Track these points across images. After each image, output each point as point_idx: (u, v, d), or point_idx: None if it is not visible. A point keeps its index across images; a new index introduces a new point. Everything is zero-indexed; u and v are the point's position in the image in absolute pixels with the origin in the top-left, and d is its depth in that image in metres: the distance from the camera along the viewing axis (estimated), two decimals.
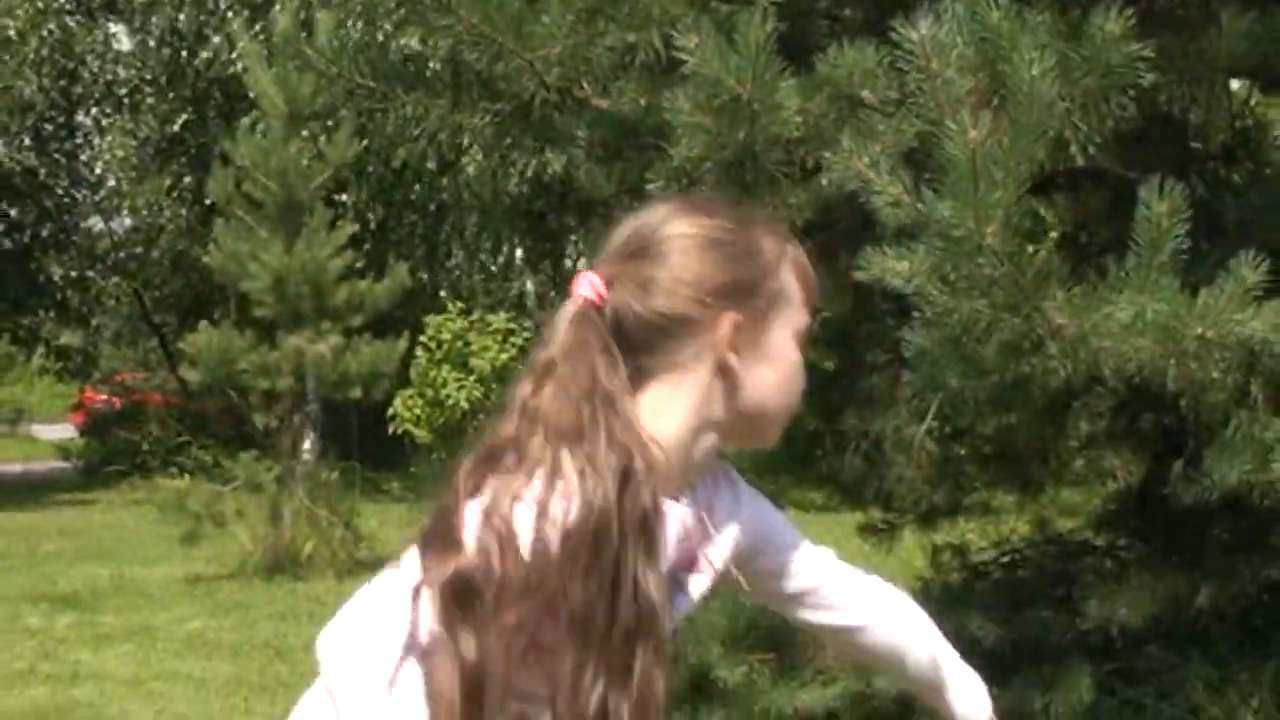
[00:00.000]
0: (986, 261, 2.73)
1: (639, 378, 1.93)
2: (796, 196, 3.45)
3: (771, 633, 3.89)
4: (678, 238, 2.01)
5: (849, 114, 3.21)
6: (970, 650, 3.69)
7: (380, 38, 12.69)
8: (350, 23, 13.50)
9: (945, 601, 4.03)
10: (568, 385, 1.88)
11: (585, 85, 3.38)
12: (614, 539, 1.79)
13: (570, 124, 3.53)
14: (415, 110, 3.53)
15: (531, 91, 3.33)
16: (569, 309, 1.92)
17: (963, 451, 4.22)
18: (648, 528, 1.83)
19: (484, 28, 3.17)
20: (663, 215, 2.02)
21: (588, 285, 1.94)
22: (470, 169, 18.99)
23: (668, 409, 1.95)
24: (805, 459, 4.34)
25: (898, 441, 4.06)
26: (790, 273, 2.02)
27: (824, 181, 3.34)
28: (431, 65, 3.75)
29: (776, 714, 3.80)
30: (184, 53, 21.35)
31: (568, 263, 17.71)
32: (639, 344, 1.95)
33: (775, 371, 2.00)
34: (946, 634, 2.88)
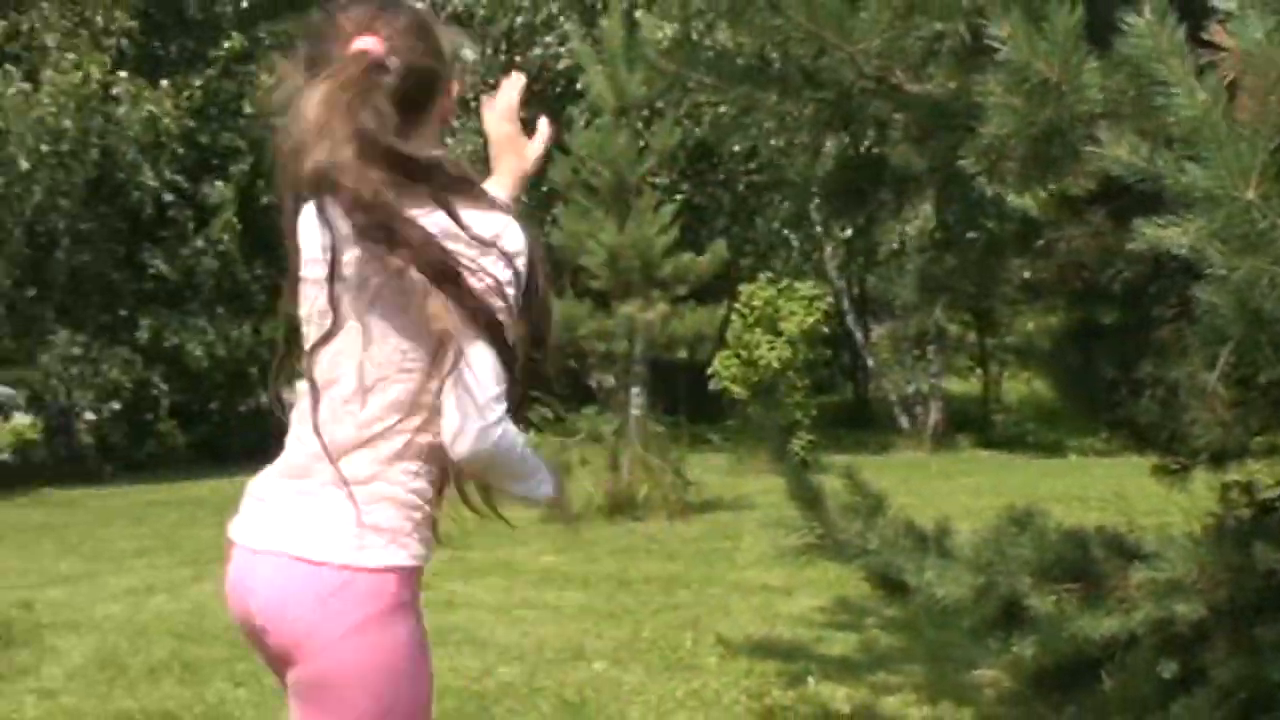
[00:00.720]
0: (1257, 218, 2.64)
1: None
2: (1094, 166, 3.39)
3: (1076, 564, 3.83)
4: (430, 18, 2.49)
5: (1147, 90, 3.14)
6: (1265, 580, 3.60)
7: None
8: (669, 24, 13.61)
9: (1235, 535, 3.90)
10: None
11: (899, 73, 3.35)
12: None
13: (886, 108, 3.51)
14: (745, 101, 3.56)
15: (851, 80, 3.32)
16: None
17: (1253, 396, 4.07)
18: None
19: (810, 25, 3.17)
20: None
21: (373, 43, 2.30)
22: (775, 150, 18.90)
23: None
24: (1104, 406, 4.24)
25: (1191, 388, 3.93)
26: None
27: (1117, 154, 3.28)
28: (738, 60, 3.72)
29: (1083, 639, 3.74)
30: (517, 57, 21.68)
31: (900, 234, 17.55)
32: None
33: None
34: (1237, 567, 2.79)
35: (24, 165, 16.06)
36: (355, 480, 2.24)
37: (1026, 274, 4.00)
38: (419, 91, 2.39)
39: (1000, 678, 5.47)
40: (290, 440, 2.40)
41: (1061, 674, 4.15)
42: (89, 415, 19.24)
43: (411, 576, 2.29)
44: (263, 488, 2.40)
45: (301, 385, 2.36)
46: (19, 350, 18.71)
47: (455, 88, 2.52)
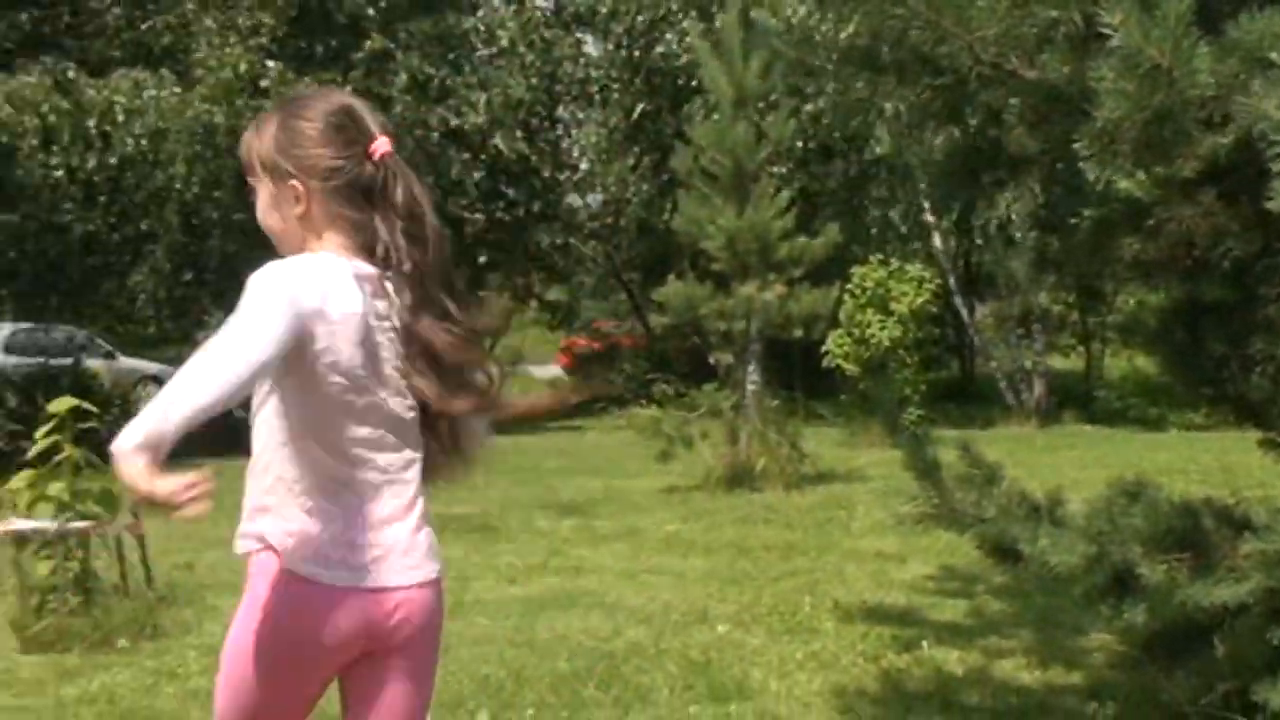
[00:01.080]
0: None
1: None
2: (1205, 148, 3.32)
3: (1187, 535, 3.76)
4: None
5: (1258, 74, 3.07)
6: None
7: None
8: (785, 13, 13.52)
9: None
10: None
11: (1015, 59, 3.29)
12: None
13: (1001, 94, 3.45)
14: (866, 88, 3.52)
15: (968, 66, 3.27)
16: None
17: None
18: None
19: (930, 14, 3.13)
20: None
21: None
22: (884, 140, 18.79)
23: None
24: (1211, 382, 4.15)
25: None
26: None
27: (1229, 131, 3.21)
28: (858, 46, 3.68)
29: (1194, 607, 3.67)
30: (638, 52, 21.67)
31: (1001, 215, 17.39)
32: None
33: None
34: None
35: (181, 167, 16.35)
36: None
37: (1136, 252, 3.92)
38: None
39: (1110, 643, 5.40)
40: None
41: (1172, 640, 4.09)
42: None
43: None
44: None
45: None
46: (176, 330, 19.10)
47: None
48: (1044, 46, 3.31)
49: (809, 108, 17.84)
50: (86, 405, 6.56)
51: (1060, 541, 3.78)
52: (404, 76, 18.44)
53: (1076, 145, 3.22)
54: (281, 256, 2.67)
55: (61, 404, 6.48)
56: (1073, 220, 6.15)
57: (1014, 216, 17.66)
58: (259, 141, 2.67)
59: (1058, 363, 22.20)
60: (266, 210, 2.75)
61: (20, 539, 6.49)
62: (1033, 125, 3.52)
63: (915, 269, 16.86)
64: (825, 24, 3.55)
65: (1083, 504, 4.04)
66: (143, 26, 18.30)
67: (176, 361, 17.73)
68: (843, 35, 3.69)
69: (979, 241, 20.46)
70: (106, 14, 18.21)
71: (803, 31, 3.63)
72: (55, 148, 16.51)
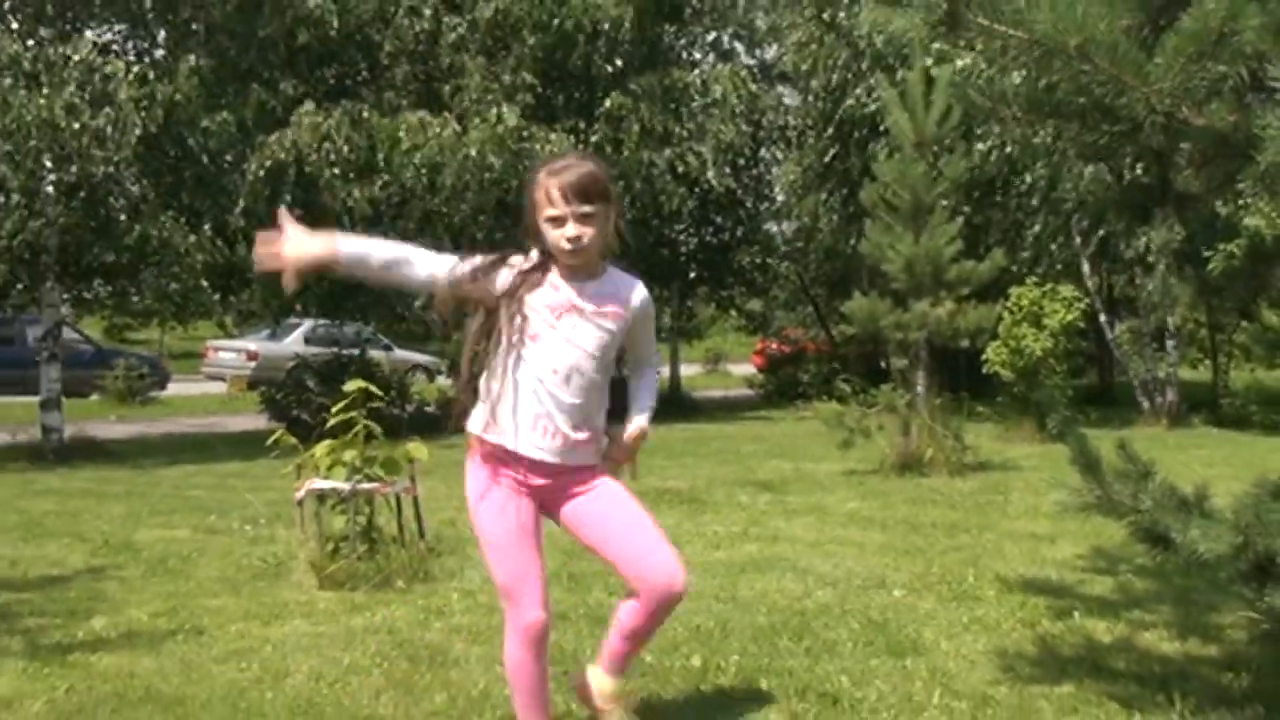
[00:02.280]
0: None
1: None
2: None
3: None
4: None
5: None
6: None
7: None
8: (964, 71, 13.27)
9: None
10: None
11: (1185, 109, 3.13)
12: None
13: (1171, 139, 3.29)
14: (1052, 133, 3.39)
15: (1144, 115, 3.11)
16: None
17: None
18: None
19: (1112, 70, 2.98)
20: None
21: None
22: (1042, 176, 18.32)
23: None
24: None
25: None
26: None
27: None
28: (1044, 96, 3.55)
29: None
30: (833, 104, 21.47)
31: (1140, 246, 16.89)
32: None
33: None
34: None
35: (452, 196, 16.72)
36: None
37: None
38: None
39: (1243, 621, 5.15)
40: None
41: None
42: None
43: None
44: None
45: None
46: (441, 329, 19.54)
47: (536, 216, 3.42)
48: (1213, 98, 3.14)
49: (980, 146, 17.49)
50: (373, 388, 6.70)
51: (1209, 532, 3.59)
52: (636, 126, 18.54)
53: (1240, 185, 3.06)
54: (580, 267, 3.43)
55: (354, 385, 6.63)
56: (1208, 253, 5.88)
57: (1152, 247, 17.12)
58: (605, 176, 3.32)
59: (1186, 373, 21.40)
60: (599, 232, 3.33)
61: (320, 496, 6.66)
62: (1199, 167, 3.35)
63: (1066, 290, 16.41)
64: (1010, 77, 3.40)
65: (1229, 499, 3.84)
66: (424, 79, 18.69)
67: (440, 355, 18.30)
68: (1018, 85, 3.55)
69: (1128, 265, 19.85)
70: (397, 69, 18.65)
71: (990, 83, 3.48)
72: (351, 175, 16.97)
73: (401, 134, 16.79)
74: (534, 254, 3.44)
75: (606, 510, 3.55)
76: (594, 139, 18.25)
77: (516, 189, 17.33)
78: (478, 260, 3.41)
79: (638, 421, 3.64)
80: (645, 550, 3.50)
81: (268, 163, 15.25)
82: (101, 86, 13.18)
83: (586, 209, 3.28)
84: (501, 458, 3.48)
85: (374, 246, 3.43)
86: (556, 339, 3.40)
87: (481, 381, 3.50)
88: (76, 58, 13.20)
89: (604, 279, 3.47)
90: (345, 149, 16.79)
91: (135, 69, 13.57)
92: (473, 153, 16.51)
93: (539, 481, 3.49)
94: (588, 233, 3.29)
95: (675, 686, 4.55)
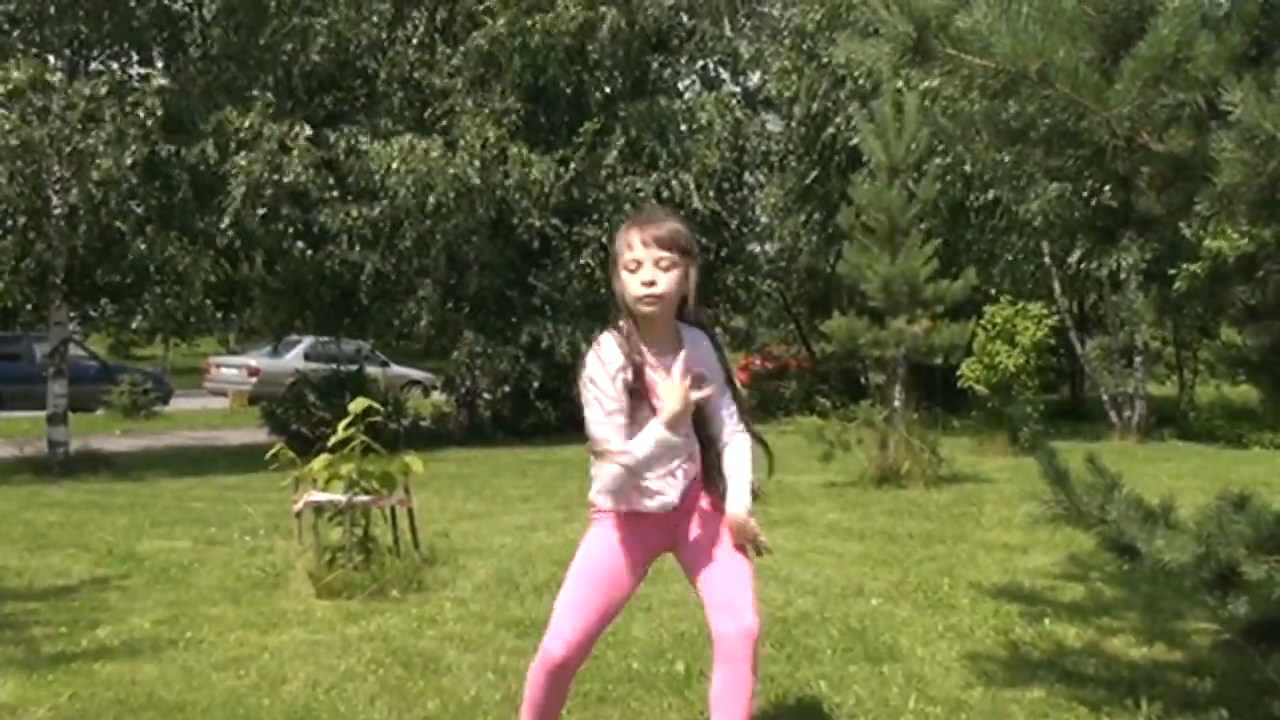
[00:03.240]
0: None
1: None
2: None
3: None
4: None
5: None
6: None
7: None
8: (926, 100, 13.31)
9: None
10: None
11: (1145, 134, 3.15)
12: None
13: (1133, 163, 3.31)
14: (1017, 157, 3.41)
15: (1106, 139, 3.13)
16: None
17: None
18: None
19: (1073, 95, 3.00)
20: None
21: None
22: (1011, 199, 18.38)
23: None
24: None
25: None
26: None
27: None
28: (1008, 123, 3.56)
29: None
30: (814, 130, 21.53)
31: (1111, 265, 16.92)
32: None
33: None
34: None
35: (443, 215, 16.74)
36: None
37: (1245, 298, 3.73)
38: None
39: (1209, 629, 5.16)
40: None
41: (1269, 628, 3.89)
42: (486, 395, 19.87)
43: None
44: None
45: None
46: (438, 347, 19.51)
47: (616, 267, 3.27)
48: (1171, 123, 3.16)
49: (948, 177, 17.55)
50: (375, 405, 6.69)
51: (1174, 542, 3.61)
52: (614, 151, 18.63)
53: (1198, 207, 3.07)
54: (656, 318, 3.26)
55: (359, 404, 6.65)
56: (1171, 271, 5.89)
57: (1122, 266, 17.18)
58: (687, 231, 3.27)
59: (1154, 388, 21.47)
60: (679, 282, 3.23)
61: (318, 508, 6.65)
62: (1159, 190, 3.37)
63: (1036, 308, 16.46)
64: (975, 104, 3.41)
65: (1193, 510, 3.86)
66: (418, 105, 18.72)
67: (436, 371, 18.29)
68: (980, 110, 3.57)
69: (1095, 284, 19.92)
70: (394, 97, 18.68)
71: (957, 110, 3.51)
72: (349, 198, 16.98)
73: (394, 156, 16.80)
74: (614, 346, 3.29)
75: None
76: (574, 164, 18.28)
77: (501, 209, 17.42)
78: (615, 402, 3.25)
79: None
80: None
81: (244, 184, 15.19)
82: (99, 109, 13.18)
83: (664, 255, 3.16)
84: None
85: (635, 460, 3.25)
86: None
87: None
88: (85, 88, 13.20)
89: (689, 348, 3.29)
90: (345, 173, 16.82)
91: (132, 94, 13.53)
92: (460, 172, 16.54)
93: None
94: (663, 279, 3.18)
95: (660, 692, 4.54)
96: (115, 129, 13.11)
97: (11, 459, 14.19)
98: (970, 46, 3.01)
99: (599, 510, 3.42)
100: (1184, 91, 3.10)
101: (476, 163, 16.85)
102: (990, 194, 18.55)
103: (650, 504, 3.36)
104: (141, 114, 13.24)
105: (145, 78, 13.92)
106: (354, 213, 17.02)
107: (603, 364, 3.25)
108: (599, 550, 3.39)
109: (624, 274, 3.22)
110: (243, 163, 14.48)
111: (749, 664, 3.19)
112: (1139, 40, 3.00)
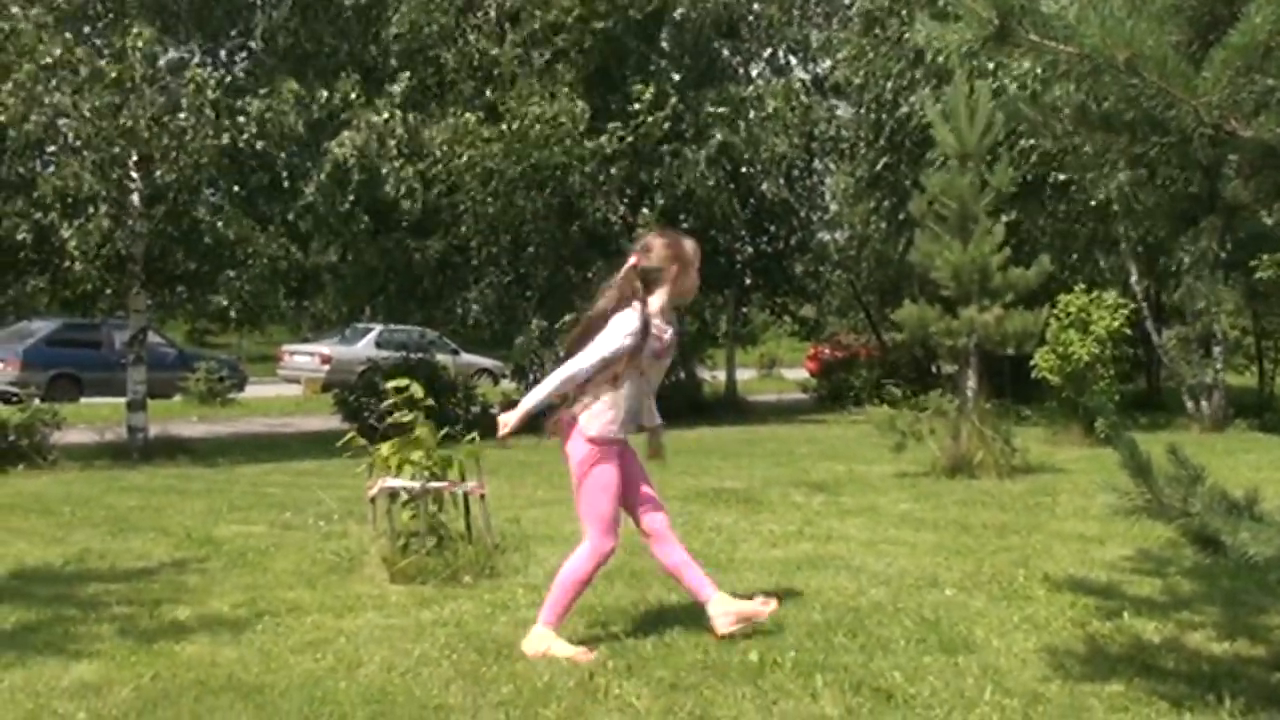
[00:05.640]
0: None
1: (649, 289, 4.99)
2: None
3: None
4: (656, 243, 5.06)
5: None
6: None
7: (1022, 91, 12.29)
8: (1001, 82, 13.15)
9: None
10: (623, 290, 4.99)
11: (1234, 121, 3.08)
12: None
13: (1220, 151, 3.24)
14: (1101, 145, 3.35)
15: (1193, 127, 3.07)
16: (626, 267, 5.07)
17: None
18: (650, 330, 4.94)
19: (1162, 84, 2.95)
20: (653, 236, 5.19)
21: (633, 257, 5.07)
22: (1111, 186, 18.06)
23: (657, 298, 4.99)
24: None
25: None
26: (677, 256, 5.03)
27: None
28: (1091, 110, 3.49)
29: None
30: (884, 115, 21.32)
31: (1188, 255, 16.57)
32: (650, 279, 5.00)
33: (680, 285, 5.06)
34: None
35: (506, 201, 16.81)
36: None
37: None
38: (647, 277, 5.01)
39: None
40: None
41: None
42: None
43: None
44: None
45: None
46: (505, 334, 19.59)
47: (680, 270, 5.07)
48: (1261, 110, 3.09)
49: (1024, 164, 17.31)
50: (416, 387, 6.79)
51: (1259, 535, 3.54)
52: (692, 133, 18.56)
53: None
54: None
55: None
56: (1253, 261, 5.76)
57: (1199, 256, 16.86)
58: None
59: (1233, 379, 21.06)
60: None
61: (392, 494, 6.71)
62: (1247, 178, 3.30)
63: (1112, 297, 16.19)
64: (1060, 90, 3.36)
65: (1278, 502, 3.78)
66: (487, 92, 18.77)
67: (505, 359, 18.40)
68: (1062, 97, 3.51)
69: (1174, 273, 19.56)
70: (463, 85, 18.77)
71: (1036, 97, 3.46)
72: (416, 185, 17.11)
73: (459, 139, 16.88)
74: (634, 316, 4.94)
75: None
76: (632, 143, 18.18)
77: (565, 194, 17.42)
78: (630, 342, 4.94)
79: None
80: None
81: (328, 166, 15.36)
82: (182, 97, 13.39)
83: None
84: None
85: (542, 390, 5.07)
86: (659, 366, 5.19)
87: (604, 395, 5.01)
88: (166, 69, 13.43)
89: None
90: (407, 152, 16.94)
91: (218, 82, 13.74)
92: (524, 157, 16.58)
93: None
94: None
95: (733, 681, 4.54)
96: (196, 119, 13.31)
97: (92, 444, 14.47)
98: (1056, 33, 2.97)
99: (606, 441, 4.98)
100: (1275, 78, 3.04)
101: (543, 151, 16.88)
102: (1063, 178, 18.23)
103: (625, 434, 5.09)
104: (214, 107, 13.45)
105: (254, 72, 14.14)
106: (422, 196, 17.12)
107: (632, 337, 4.91)
108: (615, 471, 5.00)
109: (693, 273, 5.12)
110: (334, 145, 14.62)
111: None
112: (1228, 26, 2.94)
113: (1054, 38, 3.00)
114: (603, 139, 17.59)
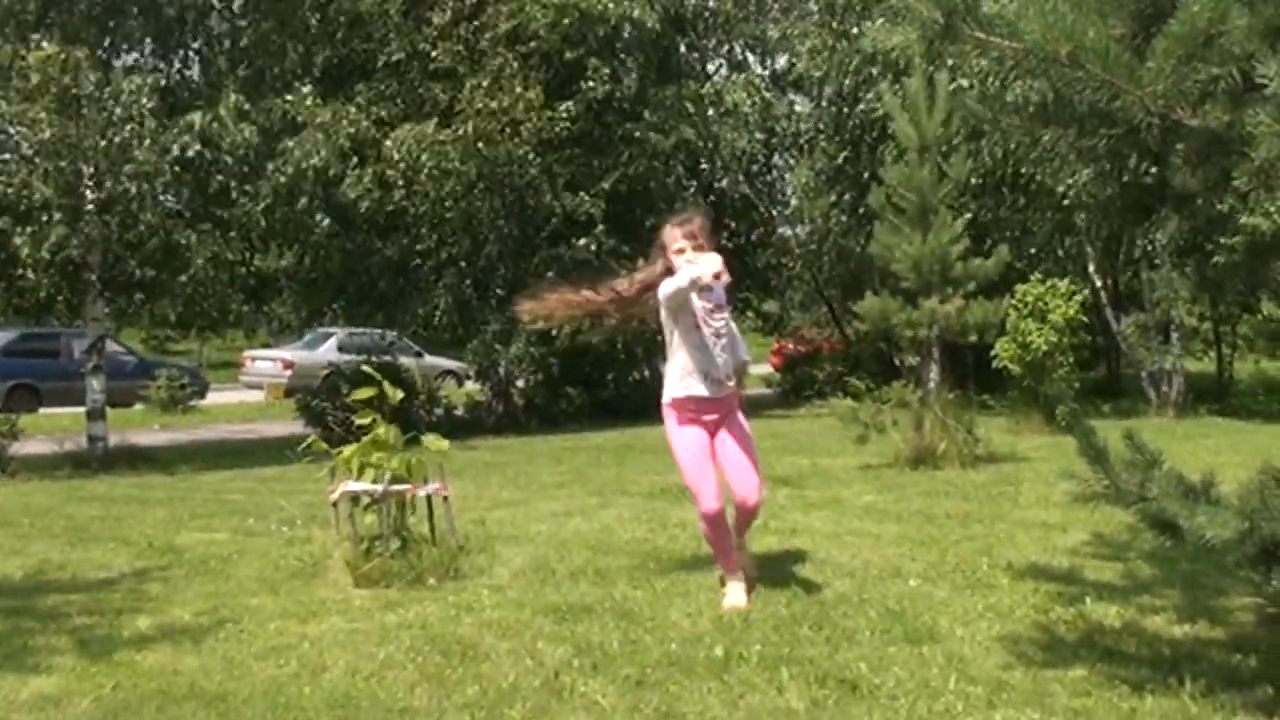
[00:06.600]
0: None
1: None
2: None
3: None
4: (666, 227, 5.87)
5: None
6: None
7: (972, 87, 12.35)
8: (958, 80, 13.23)
9: None
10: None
11: (1179, 110, 3.12)
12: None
13: (1167, 140, 3.28)
14: (1051, 138, 3.38)
15: (1140, 118, 3.10)
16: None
17: None
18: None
19: (1105, 75, 2.98)
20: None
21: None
22: (1070, 179, 18.16)
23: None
24: None
25: None
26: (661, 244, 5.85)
27: None
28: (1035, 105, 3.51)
29: None
30: (844, 110, 21.40)
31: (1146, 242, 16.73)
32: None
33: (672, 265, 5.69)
34: None
35: (463, 202, 16.73)
36: None
37: None
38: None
39: (1250, 605, 5.13)
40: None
41: None
42: (519, 383, 19.92)
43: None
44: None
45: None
46: (467, 334, 19.52)
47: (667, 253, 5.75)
48: (1206, 99, 3.13)
49: (981, 156, 17.40)
50: (387, 388, 6.76)
51: (1216, 518, 3.59)
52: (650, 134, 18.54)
53: (1236, 182, 3.04)
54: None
55: (395, 394, 6.72)
56: (1209, 247, 5.82)
57: (1155, 244, 17.04)
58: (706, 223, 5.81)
59: (1192, 365, 21.29)
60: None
61: (354, 497, 6.69)
62: (1195, 166, 3.33)
63: (1064, 285, 16.30)
64: (1012, 86, 3.39)
65: (1235, 486, 3.83)
66: (440, 91, 18.66)
67: (469, 360, 18.28)
68: (1018, 93, 3.54)
69: (1131, 261, 19.74)
70: (417, 86, 18.69)
71: (989, 92, 3.49)
72: (371, 186, 17.06)
73: (412, 140, 16.82)
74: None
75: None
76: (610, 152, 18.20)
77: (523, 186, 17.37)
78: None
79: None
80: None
81: (289, 169, 15.26)
82: (130, 108, 13.29)
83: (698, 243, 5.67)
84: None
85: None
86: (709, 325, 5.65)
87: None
88: (120, 86, 13.32)
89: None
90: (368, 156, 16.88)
91: (152, 88, 13.65)
92: (476, 154, 16.52)
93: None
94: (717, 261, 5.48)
95: (699, 676, 4.55)
96: (150, 126, 13.21)
97: (52, 455, 14.32)
98: (999, 30, 2.99)
99: (670, 405, 5.90)
100: (1218, 66, 3.07)
101: (498, 147, 16.82)
102: (1022, 169, 18.36)
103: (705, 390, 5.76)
104: (195, 117, 13.38)
105: (206, 78, 14.07)
106: (377, 195, 17.07)
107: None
108: (683, 434, 5.89)
109: (670, 255, 5.82)
110: (292, 145, 14.53)
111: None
112: (1170, 17, 2.97)
113: (997, 34, 3.02)
114: (555, 115, 17.44)
